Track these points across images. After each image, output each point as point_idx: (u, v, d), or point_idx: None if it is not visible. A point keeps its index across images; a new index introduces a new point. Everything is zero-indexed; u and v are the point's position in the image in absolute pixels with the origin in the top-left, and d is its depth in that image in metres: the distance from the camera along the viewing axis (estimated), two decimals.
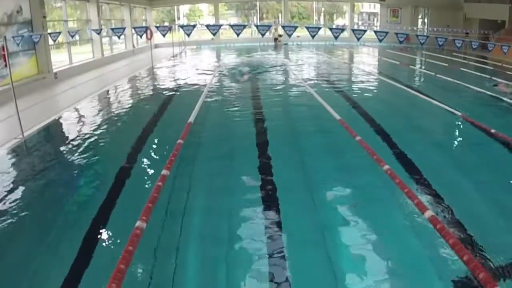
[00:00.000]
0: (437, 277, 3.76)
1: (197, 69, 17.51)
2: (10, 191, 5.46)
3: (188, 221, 4.75)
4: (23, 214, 4.92)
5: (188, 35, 11.93)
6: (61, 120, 9.31)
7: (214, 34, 11.78)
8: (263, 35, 10.87)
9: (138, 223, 3.94)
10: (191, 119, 8.32)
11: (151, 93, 12.93)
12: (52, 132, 8.64)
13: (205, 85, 13.09)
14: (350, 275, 3.77)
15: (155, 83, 14.80)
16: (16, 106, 7.76)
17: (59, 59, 16.65)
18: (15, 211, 4.93)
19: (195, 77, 15.09)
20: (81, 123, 9.17)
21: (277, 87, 13.03)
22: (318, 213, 4.93)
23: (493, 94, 11.70)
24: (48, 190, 5.63)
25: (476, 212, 5.00)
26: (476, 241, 4.24)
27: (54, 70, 14.87)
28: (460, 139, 8.23)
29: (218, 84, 13.72)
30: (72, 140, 7.71)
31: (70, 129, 8.68)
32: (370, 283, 3.66)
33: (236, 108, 10.15)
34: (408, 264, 3.99)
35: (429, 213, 4.32)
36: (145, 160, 6.70)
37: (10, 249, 4.24)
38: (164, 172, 5.28)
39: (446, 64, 18.37)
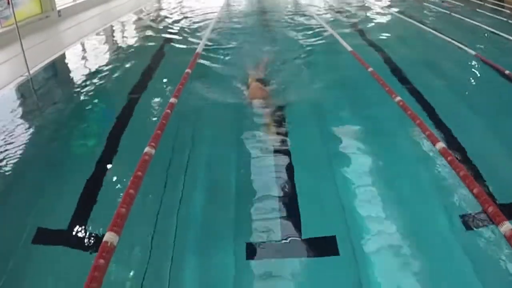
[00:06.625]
0: (444, 208, 3.67)
1: (205, 1, 16.86)
2: (19, 126, 5.41)
3: (197, 149, 4.70)
4: (32, 146, 4.90)
5: None
6: (66, 56, 9.08)
7: None
8: None
9: (146, 149, 3.97)
10: (199, 49, 8.08)
11: (157, 25, 12.48)
12: (58, 68, 8.45)
13: (213, 17, 12.66)
14: (357, 204, 3.73)
15: (162, 15, 14.25)
16: (21, 43, 7.56)
17: None
18: (23, 144, 4.90)
19: (203, 9, 14.54)
20: (87, 58, 8.96)
21: (286, 18, 12.48)
22: (327, 143, 4.83)
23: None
24: (56, 123, 5.57)
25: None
26: (484, 178, 4.07)
27: (58, 8, 14.43)
28: (472, 77, 7.71)
29: (226, 15, 13.28)
30: (79, 74, 7.54)
31: (76, 65, 8.49)
32: (376, 213, 3.61)
33: (245, 39, 9.82)
34: (417, 196, 3.92)
35: (440, 145, 4.28)
36: (153, 89, 6.58)
37: (19, 183, 4.21)
38: (172, 100, 5.21)
39: (462, 5, 17.25)
